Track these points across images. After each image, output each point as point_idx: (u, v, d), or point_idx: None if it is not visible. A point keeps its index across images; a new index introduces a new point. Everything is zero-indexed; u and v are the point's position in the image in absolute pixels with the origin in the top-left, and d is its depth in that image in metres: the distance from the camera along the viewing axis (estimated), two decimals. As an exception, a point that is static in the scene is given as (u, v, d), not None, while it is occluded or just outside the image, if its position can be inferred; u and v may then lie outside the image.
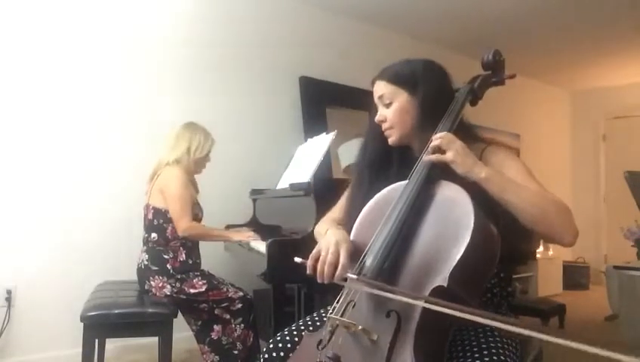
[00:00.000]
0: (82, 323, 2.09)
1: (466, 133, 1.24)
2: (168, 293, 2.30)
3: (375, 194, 1.22)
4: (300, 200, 2.24)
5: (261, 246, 2.15)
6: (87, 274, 2.70)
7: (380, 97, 1.31)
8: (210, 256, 2.68)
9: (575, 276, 5.81)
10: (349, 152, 2.83)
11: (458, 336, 1.14)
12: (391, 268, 1.05)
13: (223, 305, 2.36)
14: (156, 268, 2.33)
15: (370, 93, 1.37)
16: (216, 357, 2.37)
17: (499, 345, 1.11)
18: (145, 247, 2.42)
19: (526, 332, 0.77)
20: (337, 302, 1.10)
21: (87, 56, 2.91)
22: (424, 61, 1.33)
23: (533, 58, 5.15)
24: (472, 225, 1.00)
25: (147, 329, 2.20)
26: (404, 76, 1.29)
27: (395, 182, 1.20)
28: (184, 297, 2.32)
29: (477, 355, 1.08)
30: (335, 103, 3.93)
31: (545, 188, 1.15)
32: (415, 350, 0.95)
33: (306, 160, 2.61)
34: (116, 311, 2.12)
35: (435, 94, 1.27)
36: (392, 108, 1.29)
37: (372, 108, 1.37)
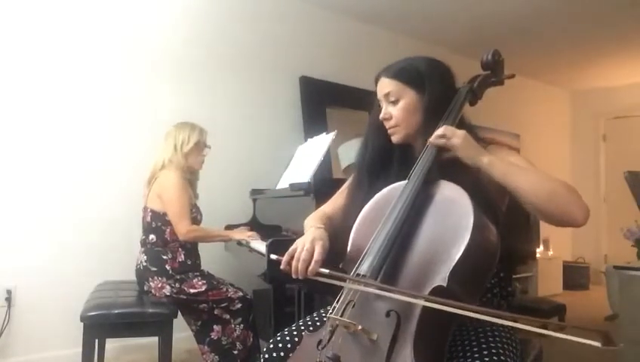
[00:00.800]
0: (82, 323, 2.09)
1: (467, 133, 1.24)
2: (168, 294, 2.30)
3: (375, 194, 1.22)
4: (300, 200, 2.24)
5: (261, 246, 2.15)
6: (87, 274, 2.69)
7: (386, 95, 1.30)
8: (210, 256, 2.68)
9: (575, 276, 5.81)
10: (349, 152, 2.83)
11: (458, 336, 1.13)
12: (390, 268, 1.05)
13: (223, 305, 2.36)
14: (155, 269, 2.33)
15: (370, 93, 1.37)
16: (216, 357, 2.37)
17: (499, 344, 1.11)
18: (143, 248, 2.42)
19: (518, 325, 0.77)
20: (337, 302, 1.10)
21: (87, 56, 2.91)
22: (429, 59, 1.32)
23: (533, 58, 5.15)
24: (471, 225, 1.00)
25: (147, 329, 2.20)
26: (411, 74, 1.28)
27: (396, 180, 1.20)
28: (184, 297, 2.32)
29: (477, 355, 1.08)
30: (335, 103, 3.94)
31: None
32: (415, 350, 0.95)
33: (306, 160, 2.61)
34: (116, 311, 2.12)
35: (441, 93, 1.27)
36: (399, 106, 1.28)
37: (374, 106, 1.37)
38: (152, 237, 2.39)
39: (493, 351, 1.09)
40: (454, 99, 1.27)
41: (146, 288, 2.34)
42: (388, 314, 1.01)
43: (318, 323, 1.29)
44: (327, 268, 1.11)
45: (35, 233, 2.71)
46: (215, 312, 2.36)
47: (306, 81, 3.81)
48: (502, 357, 1.08)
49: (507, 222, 1.15)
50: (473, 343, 1.11)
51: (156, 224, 2.40)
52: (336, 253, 1.20)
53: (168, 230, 2.38)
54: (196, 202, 2.55)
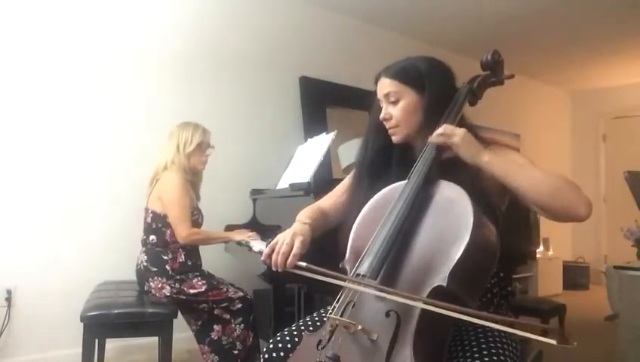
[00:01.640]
0: (82, 323, 2.09)
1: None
2: (168, 294, 2.30)
3: (375, 194, 1.22)
4: (300, 200, 2.24)
5: (261, 246, 2.15)
6: (87, 274, 2.70)
7: (386, 95, 1.30)
8: (210, 256, 2.68)
9: (575, 276, 5.81)
10: (349, 152, 2.83)
11: (458, 336, 1.13)
12: (390, 268, 1.05)
13: (223, 305, 2.36)
14: (155, 269, 2.33)
15: (370, 93, 1.37)
16: (216, 357, 2.37)
17: (499, 345, 1.11)
18: (144, 249, 2.42)
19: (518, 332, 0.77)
20: (337, 302, 1.10)
21: (87, 56, 2.91)
22: (429, 59, 1.32)
23: (533, 58, 5.15)
24: (471, 224, 1.00)
25: (147, 329, 2.20)
26: (411, 74, 1.28)
27: (396, 181, 1.20)
28: (184, 297, 2.32)
29: (477, 355, 1.08)
30: (335, 103, 3.94)
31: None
32: (415, 350, 0.95)
33: (306, 160, 2.61)
34: (116, 311, 2.12)
35: (442, 93, 1.27)
36: (399, 106, 1.28)
37: (374, 106, 1.37)
38: (152, 237, 2.39)
39: (493, 351, 1.09)
40: (454, 99, 1.27)
41: (146, 288, 2.34)
42: (388, 314, 1.01)
43: (318, 323, 1.29)
44: (317, 264, 1.13)
45: (35, 233, 2.71)
46: (215, 312, 2.36)
47: (306, 81, 3.81)
48: (502, 357, 1.08)
49: (507, 222, 1.15)
50: (473, 343, 1.11)
51: (157, 225, 2.40)
52: (337, 253, 1.20)
53: (169, 231, 2.38)
54: (198, 204, 2.55)
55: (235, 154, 3.39)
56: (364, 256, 1.08)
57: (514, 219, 1.14)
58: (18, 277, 2.65)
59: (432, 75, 1.28)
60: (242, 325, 2.37)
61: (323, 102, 3.89)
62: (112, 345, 2.70)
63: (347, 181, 1.47)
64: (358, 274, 1.07)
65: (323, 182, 2.29)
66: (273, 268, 1.19)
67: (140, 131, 3.02)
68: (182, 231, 2.32)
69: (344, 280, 1.07)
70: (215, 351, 2.37)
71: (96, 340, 2.24)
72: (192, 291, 2.31)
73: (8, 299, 2.63)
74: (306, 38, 3.88)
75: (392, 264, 1.06)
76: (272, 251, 1.21)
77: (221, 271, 2.67)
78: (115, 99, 2.99)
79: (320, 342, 1.08)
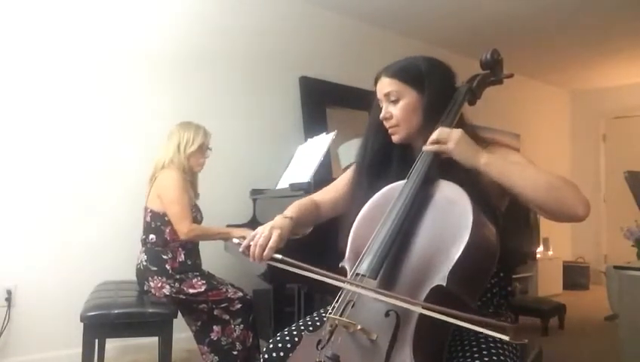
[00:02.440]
0: (82, 323, 2.09)
1: (466, 133, 1.24)
2: (167, 293, 2.30)
3: (375, 193, 1.22)
4: (299, 201, 2.23)
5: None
6: (87, 274, 2.70)
7: (387, 94, 1.30)
8: (210, 256, 2.68)
9: (575, 276, 5.81)
10: (349, 152, 2.83)
11: (458, 336, 1.13)
12: (390, 267, 1.05)
13: (223, 305, 2.36)
14: (155, 269, 2.33)
15: (370, 93, 1.37)
16: (216, 357, 2.37)
17: (498, 344, 1.11)
18: (143, 248, 2.42)
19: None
20: (337, 302, 1.10)
21: (87, 56, 2.91)
22: (429, 59, 1.32)
23: (533, 58, 5.15)
24: (470, 224, 1.00)
25: (147, 329, 2.19)
26: (411, 74, 1.28)
27: (395, 180, 1.20)
28: (183, 297, 2.31)
29: (477, 355, 1.08)
30: (335, 103, 3.94)
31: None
32: (414, 349, 0.95)
33: (306, 160, 2.61)
34: (116, 311, 2.11)
35: (442, 93, 1.27)
36: (400, 105, 1.28)
37: (374, 105, 1.37)
38: (152, 237, 2.39)
39: (493, 350, 1.09)
40: (453, 99, 1.27)
41: (145, 288, 2.34)
42: (387, 314, 1.01)
43: (318, 323, 1.29)
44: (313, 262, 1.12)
45: (35, 233, 2.71)
46: (215, 312, 2.36)
47: (306, 81, 3.81)
48: (502, 357, 1.08)
49: (507, 222, 1.15)
50: (473, 343, 1.11)
51: (156, 224, 2.40)
52: (336, 253, 1.20)
53: (168, 230, 2.38)
54: (196, 202, 2.55)
55: (235, 154, 3.39)
56: (363, 255, 1.08)
57: (514, 219, 1.14)
58: (18, 277, 2.65)
59: (432, 74, 1.28)
60: (242, 326, 2.37)
61: (323, 102, 3.89)
62: (112, 344, 2.70)
63: (346, 176, 1.47)
64: (357, 274, 1.07)
65: (323, 182, 2.28)
66: (251, 260, 1.22)
67: (140, 131, 3.02)
68: (183, 228, 2.32)
69: (321, 275, 1.07)
70: (215, 352, 2.37)
71: (97, 340, 2.24)
72: (191, 291, 2.31)
73: (8, 299, 2.63)
74: (306, 38, 3.89)
75: (391, 263, 1.06)
76: (250, 243, 1.23)
77: (221, 271, 2.67)
78: (114, 99, 2.99)
79: (320, 341, 1.08)
